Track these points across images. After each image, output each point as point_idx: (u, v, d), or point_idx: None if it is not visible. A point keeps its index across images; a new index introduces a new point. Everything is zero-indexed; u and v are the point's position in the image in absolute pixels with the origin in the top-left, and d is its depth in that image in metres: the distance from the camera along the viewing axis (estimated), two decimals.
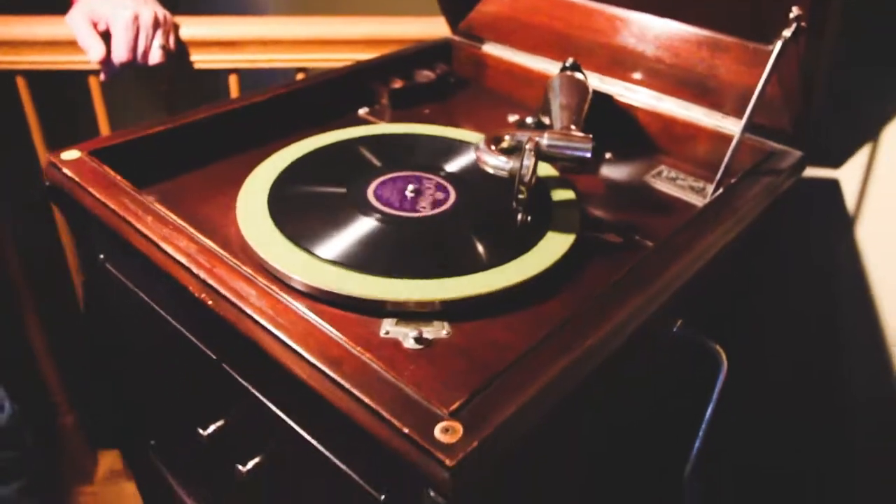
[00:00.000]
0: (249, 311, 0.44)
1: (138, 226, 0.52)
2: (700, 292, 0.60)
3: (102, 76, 0.96)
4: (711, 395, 0.58)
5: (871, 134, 0.72)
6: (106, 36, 0.93)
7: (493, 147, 0.61)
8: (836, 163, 0.76)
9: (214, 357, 0.53)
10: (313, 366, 0.41)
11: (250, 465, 0.55)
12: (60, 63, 1.00)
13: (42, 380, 1.36)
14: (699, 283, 0.56)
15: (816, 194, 0.77)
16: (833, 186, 0.76)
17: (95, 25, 0.92)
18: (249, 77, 1.08)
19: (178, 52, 1.00)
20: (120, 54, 0.91)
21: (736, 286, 0.75)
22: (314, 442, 0.47)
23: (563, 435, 0.49)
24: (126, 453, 0.86)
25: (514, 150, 0.62)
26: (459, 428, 0.37)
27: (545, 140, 0.60)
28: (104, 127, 1.08)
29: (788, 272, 0.81)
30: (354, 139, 0.73)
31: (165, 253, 0.49)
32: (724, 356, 0.57)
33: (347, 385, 0.39)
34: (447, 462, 0.35)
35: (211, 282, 0.47)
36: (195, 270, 0.47)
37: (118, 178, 0.57)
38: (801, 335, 0.82)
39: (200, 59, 1.03)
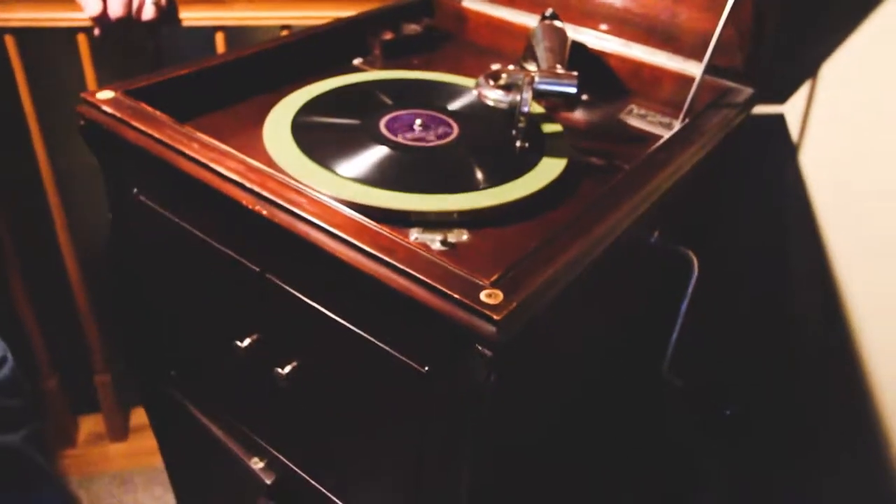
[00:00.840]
0: (306, 216, 0.51)
1: (187, 151, 0.57)
2: (673, 206, 0.69)
3: (97, 31, 0.99)
4: (686, 294, 0.68)
5: (810, 73, 0.83)
6: None
7: (491, 83, 0.69)
8: (782, 99, 0.86)
9: (257, 269, 0.60)
10: (370, 255, 0.48)
11: (288, 368, 0.62)
12: (50, 20, 1.02)
13: (26, 343, 1.38)
14: (673, 197, 0.66)
15: (765, 127, 0.88)
16: (780, 120, 0.87)
17: None
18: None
19: (168, 9, 1.03)
20: (116, 9, 0.95)
21: (701, 207, 0.85)
22: (359, 331, 0.54)
23: (572, 312, 0.58)
24: (143, 389, 0.91)
25: (510, 87, 0.70)
26: (500, 294, 0.45)
27: (537, 78, 0.68)
28: (91, 84, 1.10)
29: (743, 196, 0.92)
30: (361, 83, 0.80)
31: (217, 173, 0.56)
32: (695, 259, 0.67)
33: (403, 267, 0.47)
34: (494, 317, 0.43)
35: (266, 194, 0.53)
36: (248, 185, 0.54)
37: (157, 112, 0.62)
38: (755, 252, 0.94)
39: (189, 17, 1.06)
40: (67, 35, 1.05)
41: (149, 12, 0.99)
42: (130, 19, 0.97)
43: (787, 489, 0.98)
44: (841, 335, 0.84)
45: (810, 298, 0.88)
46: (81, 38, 1.06)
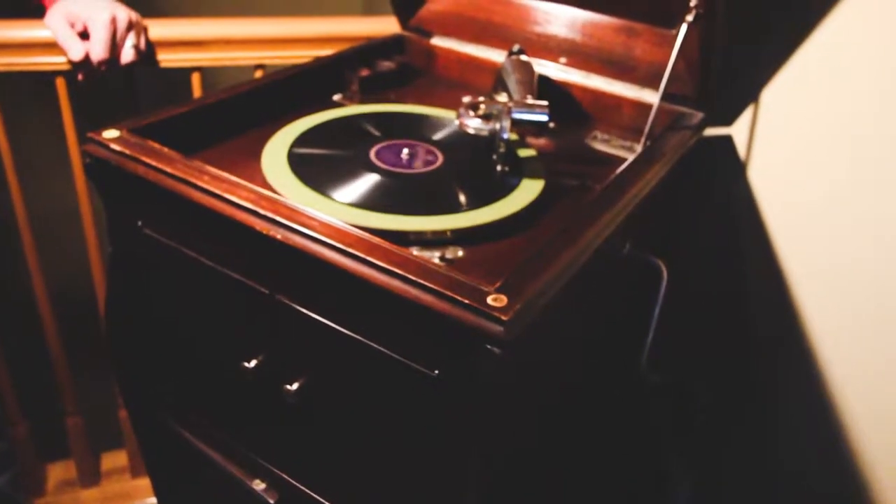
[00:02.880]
0: (320, 237, 0.56)
1: (199, 183, 0.61)
2: (641, 219, 0.76)
3: (81, 76, 1.02)
4: (657, 299, 0.74)
5: (753, 97, 0.92)
6: (82, 36, 0.99)
7: (471, 113, 0.75)
8: (729, 121, 0.95)
9: (266, 291, 0.64)
10: (383, 270, 0.53)
11: (296, 385, 0.66)
12: (29, 65, 1.05)
13: None
14: (641, 211, 0.72)
15: (716, 146, 0.96)
16: (728, 140, 0.96)
17: (72, 27, 0.98)
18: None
19: (147, 52, 1.07)
20: (99, 53, 0.98)
21: (665, 220, 0.93)
22: (368, 342, 0.58)
23: (563, 315, 0.63)
24: (137, 422, 0.93)
25: (489, 116, 0.76)
26: (504, 298, 0.50)
27: (512, 108, 0.75)
28: (69, 125, 1.13)
29: (698, 211, 1.01)
30: (348, 117, 0.85)
31: (230, 202, 0.60)
32: (664, 267, 0.74)
33: (415, 279, 0.52)
34: (503, 318, 0.49)
35: (279, 219, 0.57)
36: (262, 212, 0.58)
37: (164, 148, 0.66)
38: (713, 259, 1.02)
39: (166, 58, 1.10)
40: (35, 80, 1.07)
41: (128, 55, 1.02)
42: (111, 61, 1.01)
43: (746, 482, 1.05)
44: (792, 330, 0.92)
45: (764, 297, 0.96)
46: (60, 82, 1.08)
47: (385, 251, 0.54)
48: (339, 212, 0.64)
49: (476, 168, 0.76)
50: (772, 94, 0.91)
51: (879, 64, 0.79)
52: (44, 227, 1.26)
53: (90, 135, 0.68)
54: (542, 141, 0.89)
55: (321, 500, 0.74)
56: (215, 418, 0.81)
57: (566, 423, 0.77)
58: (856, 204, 0.84)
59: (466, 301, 0.50)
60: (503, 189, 0.71)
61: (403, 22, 1.08)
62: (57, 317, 1.32)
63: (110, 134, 0.68)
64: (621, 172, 0.71)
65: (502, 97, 0.90)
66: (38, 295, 1.28)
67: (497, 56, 0.99)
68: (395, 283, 0.53)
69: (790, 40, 0.87)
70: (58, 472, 1.57)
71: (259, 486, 0.80)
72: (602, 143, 0.89)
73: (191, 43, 1.10)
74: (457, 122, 0.76)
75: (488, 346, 0.50)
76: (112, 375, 0.91)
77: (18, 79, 1.06)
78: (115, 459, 1.58)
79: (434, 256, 0.62)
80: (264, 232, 0.58)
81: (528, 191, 0.72)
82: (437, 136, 0.82)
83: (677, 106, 0.88)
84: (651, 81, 0.90)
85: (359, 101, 0.95)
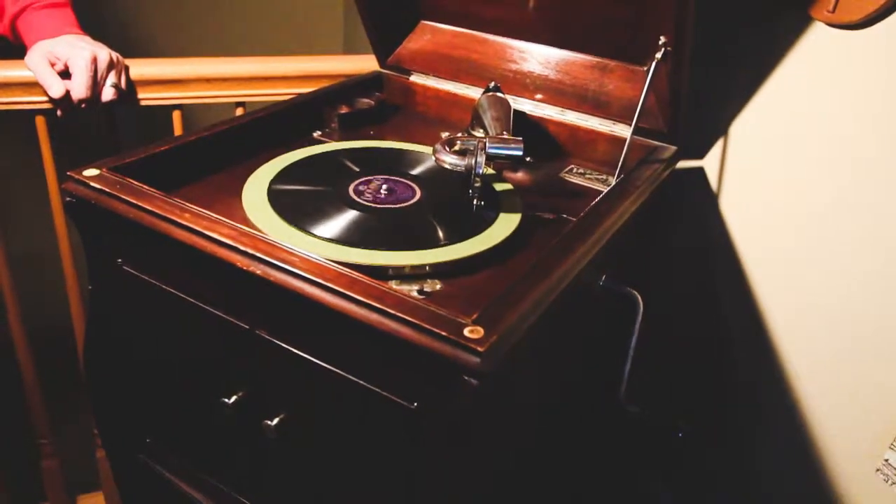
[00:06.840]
0: (299, 272, 0.56)
1: (180, 221, 0.62)
2: (616, 250, 0.77)
3: (59, 112, 1.02)
4: (634, 330, 0.75)
5: (723, 130, 0.95)
6: (62, 75, 1.00)
7: (447, 149, 0.77)
8: (701, 154, 0.98)
9: (246, 327, 0.64)
10: (362, 304, 0.54)
11: (276, 420, 0.66)
12: (9, 104, 1.05)
13: None
14: (616, 243, 0.74)
15: (688, 178, 0.99)
16: (700, 172, 0.98)
17: (52, 66, 0.99)
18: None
19: (128, 91, 1.08)
20: (80, 92, 0.99)
21: (640, 251, 0.94)
22: (348, 375, 0.59)
23: (540, 346, 0.64)
24: (115, 461, 0.91)
25: (464, 152, 0.78)
26: (481, 329, 0.51)
27: (488, 143, 0.76)
28: (49, 164, 1.13)
29: (673, 240, 1.03)
30: (327, 153, 0.87)
31: (211, 239, 0.60)
32: (640, 298, 0.75)
33: (394, 312, 0.52)
34: (479, 349, 0.49)
35: (259, 255, 0.58)
36: (243, 248, 0.59)
37: (145, 186, 0.67)
38: (687, 293, 1.04)
39: (147, 97, 1.11)
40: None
41: (108, 94, 1.03)
42: (92, 100, 1.01)
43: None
44: (769, 355, 0.94)
45: (739, 324, 0.98)
46: (40, 120, 1.09)
47: (364, 286, 0.55)
48: (318, 247, 0.65)
49: (453, 202, 0.77)
50: (741, 126, 0.93)
51: (845, 95, 0.82)
52: (21, 265, 1.25)
53: (70, 173, 0.68)
54: (519, 175, 0.91)
55: None
56: (196, 456, 0.81)
57: (546, 451, 0.77)
58: (826, 231, 0.87)
59: (444, 333, 0.51)
60: (481, 223, 0.73)
61: (382, 60, 1.10)
62: (33, 355, 1.30)
63: (90, 172, 0.68)
64: (596, 205, 0.72)
65: (479, 133, 0.93)
66: (14, 336, 1.26)
67: (474, 93, 1.02)
68: (374, 317, 0.53)
69: (756, 74, 0.90)
70: None
71: None
72: (577, 177, 0.91)
73: (171, 81, 1.11)
74: (433, 158, 0.78)
75: (466, 378, 0.50)
76: (89, 414, 0.90)
77: None
78: (91, 503, 1.55)
79: (413, 289, 0.63)
80: (245, 268, 0.59)
81: (506, 224, 0.73)
82: (416, 171, 0.84)
83: (650, 140, 0.91)
84: (624, 116, 0.92)
85: (338, 137, 0.97)
